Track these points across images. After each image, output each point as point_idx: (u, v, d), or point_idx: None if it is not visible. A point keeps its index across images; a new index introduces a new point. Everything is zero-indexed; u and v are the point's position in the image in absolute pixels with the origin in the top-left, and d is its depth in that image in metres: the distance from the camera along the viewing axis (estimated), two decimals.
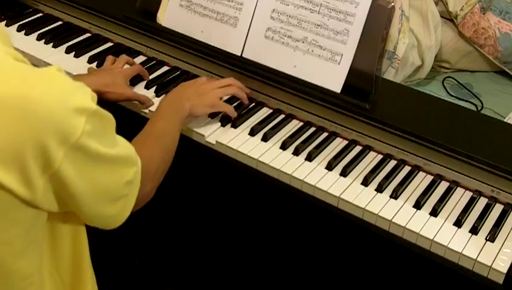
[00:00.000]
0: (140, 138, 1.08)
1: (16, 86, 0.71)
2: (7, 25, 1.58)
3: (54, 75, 0.75)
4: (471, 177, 1.16)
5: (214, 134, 1.27)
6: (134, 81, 1.40)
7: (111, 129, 0.83)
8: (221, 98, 1.27)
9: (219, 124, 1.29)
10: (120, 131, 0.86)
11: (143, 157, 0.91)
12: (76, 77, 1.31)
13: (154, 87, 1.38)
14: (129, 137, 0.92)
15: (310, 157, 1.21)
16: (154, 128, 1.12)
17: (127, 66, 1.40)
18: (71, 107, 0.73)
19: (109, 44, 1.54)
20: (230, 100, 1.33)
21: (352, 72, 1.24)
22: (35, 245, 0.82)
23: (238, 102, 1.34)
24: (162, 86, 1.38)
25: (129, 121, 1.31)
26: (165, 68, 1.46)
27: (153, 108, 1.31)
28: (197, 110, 1.22)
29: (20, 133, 0.70)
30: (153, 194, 1.01)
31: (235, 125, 1.29)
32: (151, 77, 1.42)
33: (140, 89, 1.38)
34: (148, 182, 0.95)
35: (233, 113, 1.28)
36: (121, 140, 0.87)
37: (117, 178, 0.84)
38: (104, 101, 1.26)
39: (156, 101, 1.33)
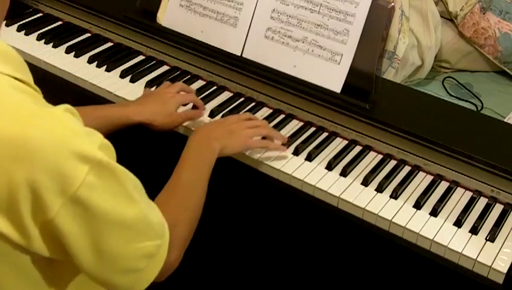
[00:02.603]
0: (164, 195, 0.96)
1: (15, 126, 0.66)
2: (7, 25, 1.58)
3: (57, 117, 0.69)
4: (471, 177, 1.16)
5: None
6: (134, 78, 1.40)
7: (130, 188, 0.74)
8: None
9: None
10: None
11: (167, 222, 0.83)
12: (124, 105, 1.25)
13: (154, 87, 1.38)
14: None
15: (310, 157, 1.21)
16: (180, 183, 0.99)
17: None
18: (71, 153, 0.67)
19: (109, 44, 1.54)
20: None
21: (352, 72, 1.24)
22: (35, 287, 0.77)
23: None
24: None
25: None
26: (165, 68, 1.46)
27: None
28: (227, 150, 1.12)
29: (13, 178, 0.66)
30: (178, 264, 0.89)
31: None
32: (150, 76, 1.42)
33: (140, 88, 1.38)
34: (172, 251, 0.84)
35: (276, 147, 1.20)
36: (149, 206, 0.79)
37: (129, 247, 0.75)
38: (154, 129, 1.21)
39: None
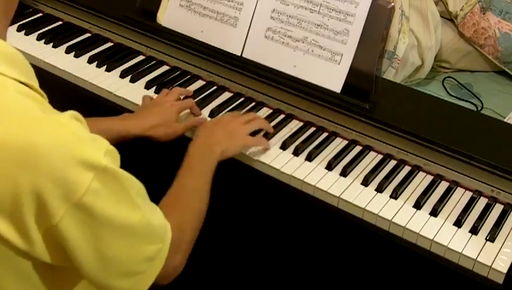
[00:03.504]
0: (168, 199, 0.97)
1: (20, 131, 0.67)
2: None
3: (63, 124, 0.69)
4: (471, 177, 1.16)
5: None
6: (134, 78, 1.40)
7: (134, 194, 0.75)
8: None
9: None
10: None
11: (171, 225, 0.84)
12: (124, 118, 1.24)
13: (154, 87, 1.38)
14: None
15: (310, 157, 1.21)
16: (183, 187, 1.01)
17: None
18: (76, 160, 0.67)
19: (109, 44, 1.54)
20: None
21: (352, 72, 1.24)
22: None
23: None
24: (162, 86, 1.38)
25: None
26: (165, 68, 1.46)
27: None
28: (229, 152, 1.14)
29: (17, 183, 0.66)
30: (183, 267, 0.91)
31: None
32: (150, 76, 1.42)
33: (140, 88, 1.38)
34: (177, 254, 0.87)
35: (266, 145, 1.22)
36: (151, 210, 0.79)
37: (132, 252, 0.76)
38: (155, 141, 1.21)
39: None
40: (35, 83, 0.74)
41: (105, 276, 0.76)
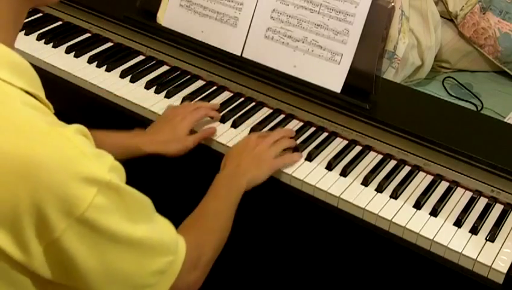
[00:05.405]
0: (190, 219, 0.98)
1: (24, 144, 0.66)
2: None
3: (67, 137, 0.69)
4: (471, 177, 1.16)
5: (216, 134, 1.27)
6: (134, 78, 1.40)
7: (139, 208, 0.75)
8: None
9: (218, 122, 1.29)
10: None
11: (189, 242, 0.84)
12: (135, 134, 1.20)
13: (154, 87, 1.38)
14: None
15: (310, 157, 1.21)
16: (206, 209, 1.02)
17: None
18: (78, 175, 0.66)
19: (109, 44, 1.54)
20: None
21: (352, 72, 1.24)
22: None
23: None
24: (162, 86, 1.38)
25: None
26: (165, 68, 1.46)
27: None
28: (256, 181, 1.13)
29: (17, 195, 0.65)
30: (200, 284, 0.91)
31: (235, 125, 1.29)
32: (150, 76, 1.42)
33: (140, 88, 1.38)
34: (192, 270, 0.87)
35: (296, 160, 1.20)
36: (160, 224, 0.79)
37: (140, 265, 0.75)
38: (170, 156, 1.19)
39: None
40: (41, 93, 0.74)
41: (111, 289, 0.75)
